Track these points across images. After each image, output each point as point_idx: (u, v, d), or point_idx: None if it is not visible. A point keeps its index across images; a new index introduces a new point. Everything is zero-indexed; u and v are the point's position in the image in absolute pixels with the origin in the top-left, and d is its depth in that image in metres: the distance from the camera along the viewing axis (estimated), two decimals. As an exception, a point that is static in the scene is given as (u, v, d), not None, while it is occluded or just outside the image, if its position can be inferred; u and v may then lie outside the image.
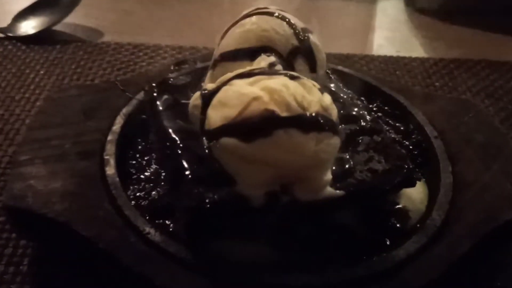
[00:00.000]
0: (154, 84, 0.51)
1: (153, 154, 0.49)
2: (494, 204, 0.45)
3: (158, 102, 0.48)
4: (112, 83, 0.57)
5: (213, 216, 0.38)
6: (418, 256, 0.40)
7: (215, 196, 0.37)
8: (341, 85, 0.52)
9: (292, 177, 0.37)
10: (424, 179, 0.48)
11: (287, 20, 0.45)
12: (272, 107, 0.35)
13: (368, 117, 0.47)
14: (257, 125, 0.35)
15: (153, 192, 0.45)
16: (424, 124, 0.53)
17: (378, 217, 0.44)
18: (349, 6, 0.95)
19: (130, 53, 0.75)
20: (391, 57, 0.78)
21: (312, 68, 0.45)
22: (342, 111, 0.45)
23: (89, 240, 0.40)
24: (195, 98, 0.40)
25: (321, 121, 0.36)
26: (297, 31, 0.45)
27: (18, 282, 0.43)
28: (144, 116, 0.51)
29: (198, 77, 0.53)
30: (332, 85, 0.52)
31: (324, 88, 0.41)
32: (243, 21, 0.45)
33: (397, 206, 0.45)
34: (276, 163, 0.36)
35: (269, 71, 0.40)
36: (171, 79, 0.52)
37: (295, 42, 0.44)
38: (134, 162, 0.49)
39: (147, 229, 0.40)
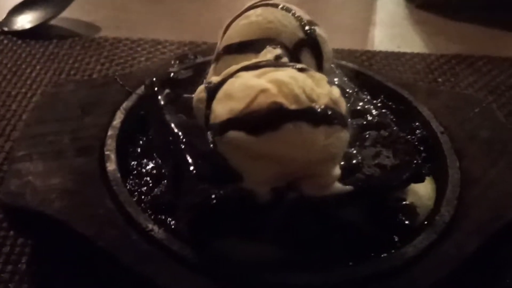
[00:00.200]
0: (154, 79, 0.49)
1: (154, 150, 0.48)
2: (502, 201, 0.44)
3: (159, 97, 0.47)
4: (111, 78, 0.56)
5: (218, 213, 0.37)
6: (428, 253, 0.39)
7: (221, 192, 0.36)
8: (345, 79, 0.51)
9: (300, 172, 0.36)
10: (430, 175, 0.47)
11: (292, 11, 0.44)
12: (281, 99, 0.34)
13: (374, 112, 0.46)
14: (265, 118, 0.34)
15: (155, 189, 0.44)
16: (430, 119, 0.52)
17: (385, 213, 0.43)
18: (349, 1, 0.95)
19: (128, 48, 0.74)
20: (392, 53, 0.77)
21: (318, 61, 0.43)
22: (348, 105, 0.44)
23: (89, 239, 0.38)
24: (200, 91, 0.39)
25: (331, 114, 0.35)
26: (303, 23, 0.43)
27: (16, 281, 0.42)
28: (144, 111, 0.50)
29: (199, 71, 0.51)
30: (336, 79, 0.51)
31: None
32: (247, 13, 0.44)
33: (404, 202, 0.44)
34: (284, 157, 0.35)
35: (276, 63, 0.39)
36: (172, 74, 0.51)
37: (301, 34, 0.43)
38: (134, 158, 0.47)
39: (150, 226, 0.39)
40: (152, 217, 0.41)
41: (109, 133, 0.48)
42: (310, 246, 0.39)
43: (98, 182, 0.43)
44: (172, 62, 0.57)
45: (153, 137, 0.49)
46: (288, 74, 0.35)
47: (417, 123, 0.53)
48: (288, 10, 0.44)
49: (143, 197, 0.44)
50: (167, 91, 0.47)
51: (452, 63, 0.75)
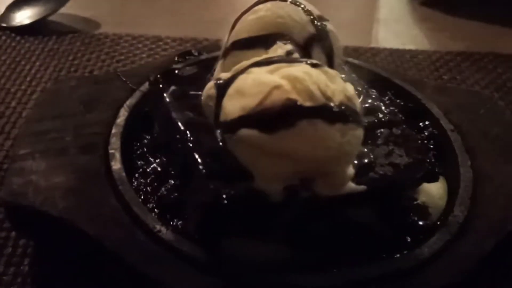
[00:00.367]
0: (159, 75, 0.48)
1: (159, 148, 0.46)
2: (517, 200, 0.43)
3: (165, 94, 0.46)
4: (113, 74, 0.55)
5: (229, 213, 0.36)
6: (443, 254, 0.38)
7: (232, 192, 0.35)
8: (354, 76, 0.50)
9: (313, 171, 0.35)
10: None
11: (302, 6, 0.43)
12: (295, 96, 0.33)
13: (384, 109, 0.45)
14: (279, 116, 0.33)
15: (161, 188, 0.43)
16: (439, 117, 0.51)
17: (397, 213, 0.42)
18: (351, -2, 0.94)
19: (129, 44, 0.73)
20: (397, 50, 0.76)
21: (329, 57, 0.42)
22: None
23: (95, 239, 0.37)
24: (209, 88, 0.38)
25: (346, 111, 0.34)
26: (313, 18, 0.42)
27: (19, 283, 0.40)
28: (149, 109, 0.49)
29: (205, 68, 0.50)
30: (343, 76, 0.50)
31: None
32: (256, 8, 0.43)
33: (416, 202, 0.43)
34: (299, 156, 0.34)
35: (289, 58, 0.38)
36: (177, 70, 0.50)
37: (312, 29, 0.42)
38: (139, 156, 0.46)
39: (158, 226, 0.38)
40: (159, 216, 0.40)
41: (113, 131, 0.47)
42: (322, 246, 0.38)
43: (102, 180, 0.42)
44: (176, 58, 0.56)
45: (158, 134, 0.48)
46: (301, 70, 0.34)
47: (426, 121, 0.52)
48: (297, 4, 0.43)
49: (149, 196, 0.42)
50: (172, 87, 0.46)
51: (458, 60, 0.74)
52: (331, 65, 0.42)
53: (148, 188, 0.43)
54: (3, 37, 0.71)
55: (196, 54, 0.56)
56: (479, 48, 0.77)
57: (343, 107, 0.34)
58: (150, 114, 0.49)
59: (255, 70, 0.35)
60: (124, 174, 0.42)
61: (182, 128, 0.41)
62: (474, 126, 0.50)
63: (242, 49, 0.42)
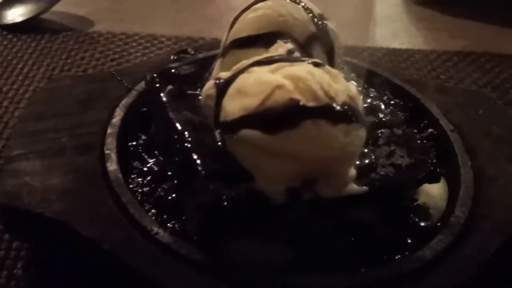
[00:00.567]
0: (156, 74, 0.47)
1: (156, 148, 0.46)
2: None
3: (162, 93, 0.45)
4: (109, 73, 0.54)
5: (230, 214, 0.35)
6: (446, 256, 0.38)
7: (233, 193, 0.34)
8: (353, 75, 0.50)
9: (315, 172, 0.35)
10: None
11: (302, 4, 0.42)
12: (298, 96, 0.32)
13: (385, 109, 0.45)
14: (281, 116, 0.32)
15: (159, 190, 0.42)
16: (439, 117, 0.51)
17: (398, 214, 0.42)
18: (347, -3, 0.93)
19: (124, 43, 0.72)
20: (394, 49, 0.76)
21: (330, 56, 0.42)
22: (360, 102, 0.42)
23: (92, 241, 0.36)
24: (209, 88, 0.37)
25: (350, 111, 0.33)
26: (314, 17, 0.42)
27: (12, 287, 0.40)
28: (146, 108, 0.48)
29: (202, 67, 0.50)
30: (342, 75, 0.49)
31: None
32: (256, 5, 0.42)
33: (417, 203, 0.43)
34: (301, 156, 0.33)
35: (290, 57, 0.37)
36: (174, 69, 0.49)
37: (312, 28, 0.41)
38: (136, 157, 0.45)
39: (155, 229, 0.37)
40: (157, 218, 0.39)
41: (109, 131, 0.46)
42: (324, 248, 0.38)
43: (99, 181, 0.41)
44: (172, 57, 0.55)
45: (155, 134, 0.47)
46: (304, 69, 0.33)
47: (425, 121, 0.51)
48: (298, 2, 0.42)
49: (146, 197, 0.42)
50: (170, 87, 0.45)
51: (455, 60, 0.74)
52: (331, 64, 0.42)
53: (145, 189, 0.43)
54: (-5, 35, 0.70)
55: (192, 53, 0.55)
56: (476, 48, 0.77)
57: (346, 107, 0.33)
58: (146, 114, 0.48)
59: (256, 69, 0.35)
60: (120, 175, 0.41)
61: (180, 128, 0.40)
62: (474, 126, 0.50)
63: (242, 47, 0.41)
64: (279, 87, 0.33)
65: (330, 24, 0.43)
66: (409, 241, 0.40)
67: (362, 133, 0.35)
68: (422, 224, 0.42)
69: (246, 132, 0.33)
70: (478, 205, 0.42)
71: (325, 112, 0.33)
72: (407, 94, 0.54)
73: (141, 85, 0.50)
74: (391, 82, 0.55)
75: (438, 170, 0.41)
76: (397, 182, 0.39)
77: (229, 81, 0.35)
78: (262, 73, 0.34)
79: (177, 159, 0.41)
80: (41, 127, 0.45)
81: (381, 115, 0.44)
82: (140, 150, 0.46)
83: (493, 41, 0.80)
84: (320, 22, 0.42)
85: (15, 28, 0.71)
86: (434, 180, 0.41)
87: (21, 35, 0.70)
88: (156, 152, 0.45)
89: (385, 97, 0.53)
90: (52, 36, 0.71)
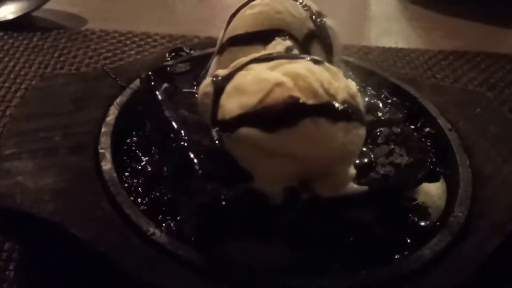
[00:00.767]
0: (151, 72, 0.47)
1: (151, 148, 0.45)
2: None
3: (157, 92, 0.44)
4: (102, 72, 0.53)
5: (228, 215, 0.35)
6: (445, 256, 0.37)
7: (231, 193, 0.34)
8: (350, 73, 0.49)
9: (314, 172, 0.34)
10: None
11: (301, 1, 0.42)
12: (297, 93, 0.32)
13: (383, 108, 0.45)
14: (280, 114, 0.32)
15: (155, 189, 0.41)
16: (437, 116, 0.50)
17: (397, 214, 0.41)
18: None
19: (117, 41, 0.71)
20: (390, 48, 0.75)
21: (328, 54, 0.41)
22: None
23: (87, 243, 0.36)
24: (206, 85, 0.36)
25: (350, 110, 0.33)
26: (312, 14, 0.41)
27: (5, 290, 0.39)
28: (141, 107, 0.47)
29: (197, 65, 0.49)
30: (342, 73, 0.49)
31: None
32: (253, 2, 0.41)
33: (416, 202, 0.43)
34: (301, 155, 0.33)
35: (290, 55, 0.37)
36: (169, 67, 0.49)
37: (311, 25, 0.41)
38: (131, 156, 0.45)
39: (151, 229, 0.37)
40: (153, 218, 0.38)
41: (103, 129, 0.45)
42: (323, 248, 0.37)
43: (93, 181, 0.40)
44: (167, 55, 0.54)
45: (150, 133, 0.46)
46: (304, 67, 0.33)
47: (423, 120, 0.51)
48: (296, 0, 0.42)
49: (141, 197, 0.41)
50: (165, 85, 0.45)
51: (450, 59, 0.74)
52: (330, 62, 0.41)
53: (140, 189, 0.42)
54: (-14, 33, 0.69)
55: (187, 51, 0.54)
56: (471, 47, 0.77)
57: (346, 105, 0.33)
58: (141, 113, 0.47)
59: (255, 66, 0.34)
60: (115, 174, 0.41)
61: (176, 127, 0.40)
62: (471, 125, 0.50)
63: (239, 45, 0.41)
64: (279, 84, 0.32)
65: (329, 22, 0.42)
66: (408, 240, 0.40)
67: (362, 131, 0.34)
68: (421, 223, 0.41)
69: (244, 131, 0.33)
70: (476, 205, 0.42)
71: (325, 110, 0.32)
72: (404, 93, 0.53)
73: (136, 83, 0.50)
74: (387, 80, 0.55)
75: (437, 169, 0.40)
76: (397, 181, 0.39)
77: (227, 78, 0.35)
78: (261, 70, 0.33)
79: (173, 158, 0.40)
80: (33, 126, 0.44)
81: (379, 114, 0.43)
82: (135, 150, 0.46)
83: (488, 40, 0.80)
84: (318, 20, 0.42)
85: (6, 25, 0.70)
86: (433, 179, 0.41)
87: (12, 33, 0.69)
88: (151, 151, 0.45)
89: (382, 95, 0.53)
90: (44, 34, 0.70)
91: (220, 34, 0.44)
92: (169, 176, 0.41)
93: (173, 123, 0.40)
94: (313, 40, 0.41)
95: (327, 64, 0.35)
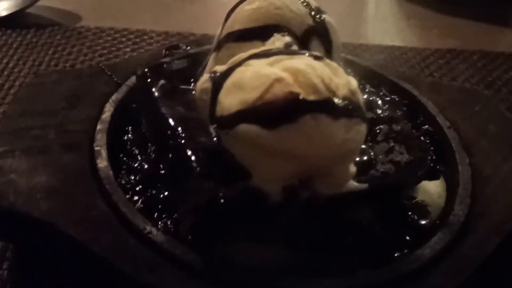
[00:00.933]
0: (147, 69, 0.46)
1: (148, 145, 0.44)
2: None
3: (153, 89, 0.43)
4: (97, 69, 0.52)
5: (226, 214, 0.34)
6: (445, 255, 0.37)
7: (229, 192, 0.33)
8: (349, 71, 0.48)
9: (315, 170, 0.33)
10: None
11: (300, -3, 0.41)
12: (297, 89, 0.31)
13: (382, 105, 0.44)
14: (280, 110, 0.31)
15: (151, 188, 0.40)
16: (436, 114, 0.50)
17: (397, 212, 0.41)
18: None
19: (112, 38, 0.70)
20: (386, 47, 0.75)
21: (328, 50, 0.41)
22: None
23: (82, 244, 0.35)
24: (204, 81, 0.35)
25: (351, 106, 0.32)
26: (312, 10, 0.41)
27: (-3, 290, 0.38)
28: (137, 104, 0.47)
29: (194, 62, 0.49)
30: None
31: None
32: (251, -2, 0.41)
33: (415, 201, 0.42)
34: (301, 153, 0.32)
35: (290, 50, 0.36)
36: (166, 64, 0.48)
37: (310, 21, 0.40)
38: (127, 154, 0.44)
39: (148, 228, 0.36)
40: (149, 218, 0.38)
41: (99, 127, 0.44)
42: (323, 248, 0.37)
43: (88, 180, 0.39)
44: (163, 52, 0.54)
45: (146, 131, 0.45)
46: (304, 62, 0.32)
47: (422, 118, 0.51)
48: (294, -5, 0.41)
49: (137, 196, 0.40)
50: (162, 82, 0.44)
51: (447, 58, 0.74)
52: (329, 58, 0.41)
53: (136, 187, 0.41)
54: (-21, 30, 0.68)
55: (184, 48, 0.54)
56: (468, 46, 0.77)
57: (347, 102, 0.32)
58: (137, 110, 0.47)
59: (254, 62, 0.33)
60: (111, 172, 0.40)
61: (173, 124, 0.39)
62: (471, 124, 0.49)
63: (237, 41, 0.40)
64: (278, 80, 0.31)
65: (328, 18, 0.42)
66: (408, 239, 0.39)
67: (363, 128, 0.34)
68: (421, 222, 0.41)
69: (243, 127, 0.32)
70: (476, 203, 0.41)
71: (326, 106, 0.31)
72: (403, 90, 0.53)
73: (132, 80, 0.49)
74: (386, 78, 0.54)
75: (437, 167, 0.40)
76: (397, 179, 0.38)
77: (226, 74, 0.34)
78: (260, 66, 0.33)
79: (170, 156, 0.40)
80: (27, 124, 0.43)
81: (379, 111, 0.43)
82: (131, 147, 0.45)
83: (485, 38, 0.80)
84: (317, 16, 0.41)
85: (0, 22, 0.69)
86: (433, 177, 0.40)
87: (6, 30, 0.69)
88: (148, 149, 0.44)
89: (381, 93, 0.53)
90: (38, 30, 0.70)
91: (217, 30, 0.44)
92: (166, 174, 0.40)
93: (170, 120, 0.39)
94: (313, 36, 0.40)
95: (327, 60, 0.34)
